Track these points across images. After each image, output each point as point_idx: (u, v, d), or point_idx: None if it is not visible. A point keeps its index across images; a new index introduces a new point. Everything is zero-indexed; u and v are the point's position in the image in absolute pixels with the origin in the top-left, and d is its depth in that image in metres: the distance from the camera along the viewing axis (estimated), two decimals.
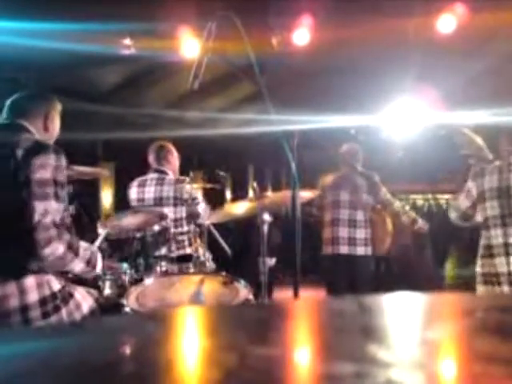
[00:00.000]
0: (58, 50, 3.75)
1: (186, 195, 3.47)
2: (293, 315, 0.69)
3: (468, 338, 0.54)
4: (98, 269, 2.01)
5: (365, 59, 5.24)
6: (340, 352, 0.49)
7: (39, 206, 1.73)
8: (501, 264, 2.64)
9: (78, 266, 1.87)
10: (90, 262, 1.93)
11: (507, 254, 2.63)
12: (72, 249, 1.82)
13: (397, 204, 4.18)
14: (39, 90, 2.16)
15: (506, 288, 2.62)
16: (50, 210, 1.76)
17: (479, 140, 2.93)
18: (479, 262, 2.78)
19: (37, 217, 1.72)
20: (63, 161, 1.85)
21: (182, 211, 3.49)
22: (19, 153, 1.77)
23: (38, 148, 1.81)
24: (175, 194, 3.46)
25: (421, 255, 6.22)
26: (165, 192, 3.48)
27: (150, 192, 3.52)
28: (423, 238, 6.26)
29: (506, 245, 2.64)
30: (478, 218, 2.84)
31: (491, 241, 2.70)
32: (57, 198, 1.79)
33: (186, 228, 3.50)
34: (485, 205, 2.75)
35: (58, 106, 2.14)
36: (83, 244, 1.95)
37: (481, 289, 2.74)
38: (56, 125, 2.12)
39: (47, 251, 1.74)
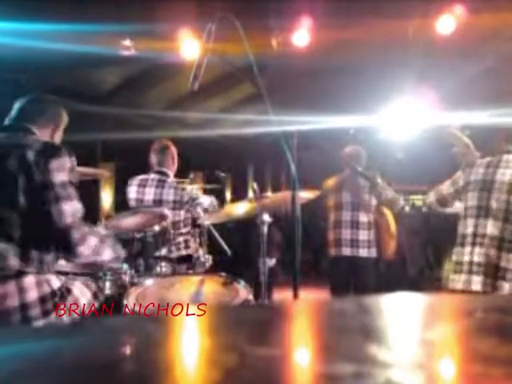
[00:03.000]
0: (58, 51, 3.75)
1: (186, 198, 3.46)
2: (293, 315, 0.69)
3: (467, 339, 0.54)
4: (122, 255, 2.12)
5: (364, 60, 5.24)
6: (340, 352, 0.49)
7: (68, 208, 1.82)
8: (467, 252, 2.68)
9: (107, 254, 1.98)
10: (115, 248, 2.03)
11: (473, 244, 2.67)
12: (102, 239, 1.93)
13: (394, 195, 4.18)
14: (50, 96, 2.19)
15: (464, 277, 2.65)
16: (77, 209, 1.86)
17: (466, 138, 2.97)
18: (454, 250, 2.83)
19: (69, 218, 1.81)
20: (75, 161, 1.91)
21: (181, 214, 3.48)
22: (30, 154, 1.80)
23: (52, 150, 1.86)
24: (175, 197, 3.45)
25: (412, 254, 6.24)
26: (165, 195, 3.47)
27: (150, 193, 3.50)
28: (419, 238, 6.28)
29: (474, 235, 2.68)
30: (456, 206, 2.90)
31: (466, 230, 2.75)
32: (77, 197, 1.89)
33: (184, 230, 3.49)
34: (467, 195, 2.80)
35: (66, 119, 2.18)
36: (103, 231, 2.11)
37: (451, 277, 2.77)
38: (60, 136, 2.16)
39: (83, 248, 1.83)
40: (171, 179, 3.56)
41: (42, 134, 2.01)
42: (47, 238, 1.84)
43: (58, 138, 2.13)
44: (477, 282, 2.61)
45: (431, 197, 3.10)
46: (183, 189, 3.48)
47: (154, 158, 3.61)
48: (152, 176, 3.56)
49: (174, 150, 3.66)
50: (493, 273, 2.59)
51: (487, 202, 2.68)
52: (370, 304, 0.68)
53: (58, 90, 4.90)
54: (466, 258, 2.68)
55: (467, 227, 2.74)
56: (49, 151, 1.84)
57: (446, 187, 3.00)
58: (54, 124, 2.08)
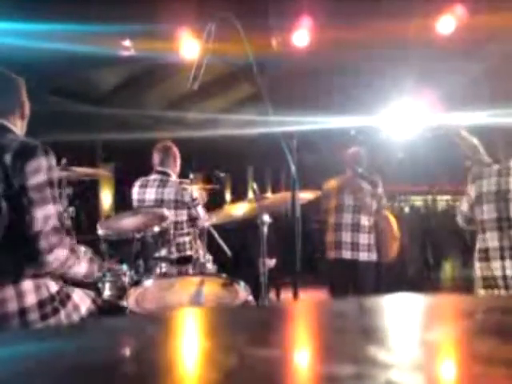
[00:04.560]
0: (58, 51, 3.75)
1: (187, 198, 3.47)
2: (292, 317, 0.69)
3: (467, 340, 0.54)
4: (96, 272, 1.99)
5: (364, 61, 5.25)
6: (340, 353, 0.49)
7: (39, 214, 1.71)
8: (496, 268, 2.64)
9: (82, 268, 1.86)
10: (93, 262, 1.93)
11: (502, 258, 2.63)
12: (74, 252, 1.80)
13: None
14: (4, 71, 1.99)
15: (503, 292, 2.62)
16: (50, 216, 1.73)
17: (476, 142, 2.94)
18: (477, 265, 2.77)
19: (38, 225, 1.70)
20: (53, 159, 1.80)
21: (183, 214, 3.48)
22: (7, 157, 1.71)
23: (27, 151, 1.74)
24: (176, 196, 3.45)
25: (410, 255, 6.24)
26: (166, 194, 3.47)
27: (151, 193, 3.51)
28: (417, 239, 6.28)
29: (501, 249, 2.64)
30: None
31: (487, 244, 2.70)
32: (54, 200, 1.76)
33: (186, 230, 3.49)
34: (482, 208, 2.75)
35: (23, 84, 1.99)
36: (81, 248, 1.94)
37: (481, 292, 2.73)
38: (28, 104, 2.00)
39: (51, 258, 1.72)
40: (173, 179, 3.57)
41: (13, 121, 1.90)
42: (19, 245, 1.74)
43: (28, 109, 1.99)
44: None
45: (459, 220, 3.01)
46: (184, 189, 3.49)
47: (156, 159, 3.62)
48: (154, 176, 3.58)
49: (176, 150, 3.67)
50: None
51: (507, 212, 2.64)
52: (369, 305, 0.68)
53: (58, 91, 4.91)
54: (499, 273, 2.63)
55: (489, 241, 2.69)
56: (25, 153, 1.73)
57: (465, 207, 2.93)
58: (19, 101, 1.93)
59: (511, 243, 2.61)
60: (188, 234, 3.49)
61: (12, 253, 1.75)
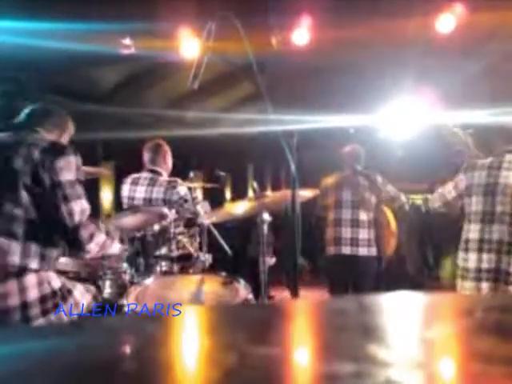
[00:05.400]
0: (58, 49, 3.75)
1: (175, 197, 3.46)
2: (292, 315, 0.69)
3: (467, 338, 0.54)
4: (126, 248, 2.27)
5: (364, 59, 5.24)
6: (340, 351, 0.49)
7: (76, 207, 1.86)
8: (472, 259, 2.66)
9: (115, 247, 2.07)
10: (120, 240, 2.15)
11: (480, 250, 2.64)
12: (109, 234, 2.01)
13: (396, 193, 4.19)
14: (56, 106, 2.26)
15: (472, 284, 2.63)
16: (85, 209, 1.90)
17: (468, 138, 2.95)
18: (459, 255, 2.79)
19: (77, 217, 1.85)
20: (80, 161, 1.95)
21: (171, 213, 3.48)
22: (35, 152, 1.83)
23: (57, 149, 1.89)
24: (164, 196, 3.46)
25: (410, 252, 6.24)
26: (155, 193, 3.48)
27: (140, 191, 3.52)
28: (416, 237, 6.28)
29: (480, 241, 2.65)
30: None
31: (469, 235, 2.72)
32: (85, 195, 1.93)
33: (177, 230, 3.49)
34: (471, 199, 2.76)
35: (72, 128, 2.23)
36: (109, 227, 2.15)
37: (459, 283, 2.75)
38: (66, 141, 2.19)
39: (92, 245, 1.90)
40: (163, 178, 3.57)
41: (49, 137, 2.04)
42: (54, 235, 1.88)
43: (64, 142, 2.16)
44: (486, 289, 2.59)
45: (436, 202, 3.05)
46: (173, 187, 3.48)
47: (146, 157, 3.63)
48: (144, 175, 3.58)
49: (166, 148, 3.67)
50: (504, 279, 2.56)
51: (492, 207, 2.64)
52: (369, 303, 0.68)
53: (58, 89, 4.90)
54: (473, 265, 2.65)
55: (471, 232, 2.71)
56: (54, 150, 1.87)
57: (448, 191, 2.94)
58: (59, 129, 2.13)
59: (490, 237, 2.62)
60: (181, 233, 3.48)
61: (38, 243, 1.83)
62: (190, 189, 3.67)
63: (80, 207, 1.87)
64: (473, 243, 2.68)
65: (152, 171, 3.58)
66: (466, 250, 2.71)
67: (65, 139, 2.16)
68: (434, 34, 4.45)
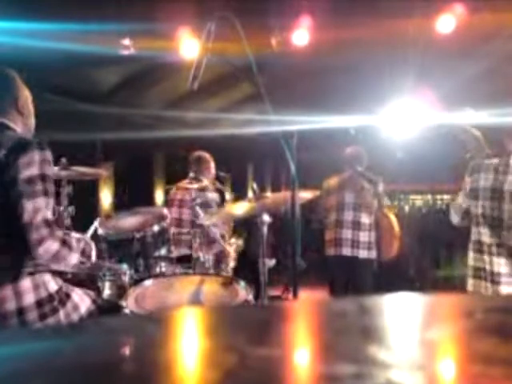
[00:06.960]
0: (57, 50, 3.75)
1: (187, 197, 3.52)
2: (292, 316, 0.69)
3: (467, 339, 0.54)
4: (93, 257, 1.97)
5: (364, 59, 5.24)
6: (340, 353, 0.49)
7: (28, 205, 1.70)
8: (486, 261, 2.69)
9: (73, 259, 1.82)
10: (85, 252, 1.89)
11: (490, 254, 2.66)
12: (66, 244, 1.78)
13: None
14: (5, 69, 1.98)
15: (489, 285, 2.66)
16: (39, 208, 1.71)
17: (480, 136, 2.93)
18: (471, 255, 2.80)
19: (27, 216, 1.69)
20: (48, 154, 1.80)
21: (186, 213, 3.52)
22: (1, 153, 1.72)
23: (21, 146, 1.75)
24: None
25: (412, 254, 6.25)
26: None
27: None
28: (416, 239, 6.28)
29: (489, 245, 2.68)
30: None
31: (481, 237, 2.73)
32: (46, 193, 1.75)
33: (186, 229, 3.51)
34: (477, 202, 2.76)
35: (17, 79, 1.98)
36: (75, 235, 1.93)
37: (470, 282, 2.78)
38: (30, 105, 2.00)
39: (41, 250, 1.70)
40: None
41: (12, 117, 1.90)
42: (16, 239, 1.74)
43: (28, 108, 1.98)
44: (503, 292, 2.61)
45: (454, 219, 2.95)
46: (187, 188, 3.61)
47: (191, 168, 3.99)
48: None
49: (209, 159, 4.04)
50: None
51: (500, 213, 2.65)
52: (369, 304, 0.68)
53: (58, 90, 4.90)
54: (487, 267, 2.68)
55: (484, 235, 2.71)
56: (19, 148, 1.74)
57: (462, 201, 2.89)
58: (13, 97, 1.91)
59: (500, 241, 2.63)
60: (188, 232, 3.50)
61: (11, 248, 1.76)
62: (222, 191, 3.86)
63: (33, 205, 1.70)
64: (485, 246, 2.69)
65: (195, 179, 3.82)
66: (480, 251, 2.72)
67: (26, 101, 1.96)
68: (434, 35, 4.46)
